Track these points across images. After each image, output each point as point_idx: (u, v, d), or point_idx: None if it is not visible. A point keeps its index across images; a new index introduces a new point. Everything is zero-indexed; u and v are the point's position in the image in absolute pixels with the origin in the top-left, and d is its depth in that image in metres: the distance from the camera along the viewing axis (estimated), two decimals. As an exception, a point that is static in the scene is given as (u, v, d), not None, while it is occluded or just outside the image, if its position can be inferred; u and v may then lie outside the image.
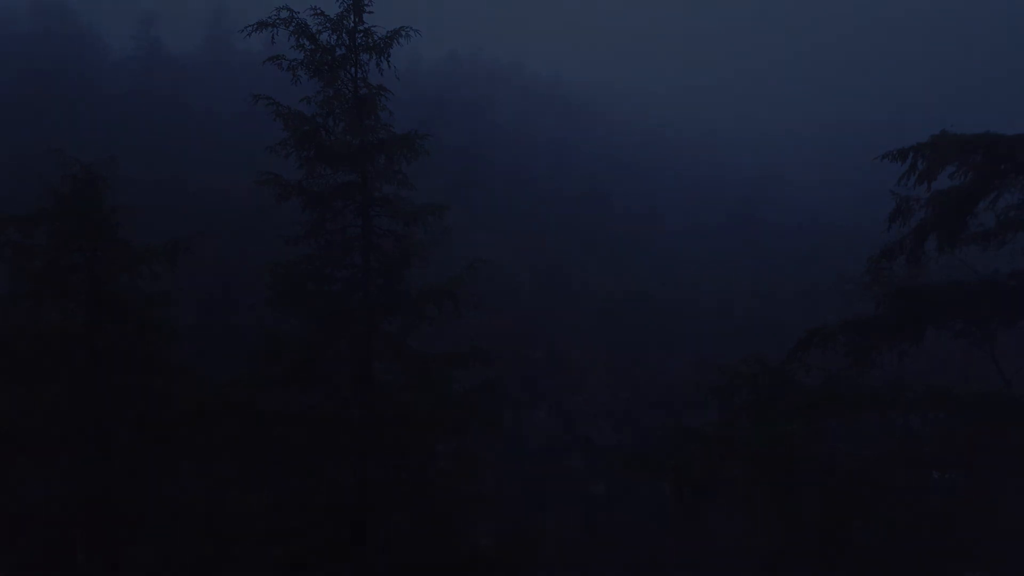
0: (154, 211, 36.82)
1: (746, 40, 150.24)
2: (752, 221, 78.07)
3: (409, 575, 17.45)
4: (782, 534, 18.69)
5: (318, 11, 18.35)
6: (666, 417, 31.52)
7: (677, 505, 20.41)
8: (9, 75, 71.60)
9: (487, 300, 19.73)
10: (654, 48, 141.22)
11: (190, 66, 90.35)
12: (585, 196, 79.20)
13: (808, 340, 18.28)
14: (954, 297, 17.62)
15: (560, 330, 45.47)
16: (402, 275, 18.64)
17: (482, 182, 71.32)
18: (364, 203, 18.59)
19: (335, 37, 18.39)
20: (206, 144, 65.44)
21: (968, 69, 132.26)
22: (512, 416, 35.76)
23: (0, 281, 18.17)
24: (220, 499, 18.30)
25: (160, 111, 71.36)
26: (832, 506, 18.03)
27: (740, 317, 48.28)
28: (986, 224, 17.54)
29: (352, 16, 18.37)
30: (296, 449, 17.70)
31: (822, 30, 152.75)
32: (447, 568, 17.47)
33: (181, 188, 50.65)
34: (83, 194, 18.12)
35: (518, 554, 18.05)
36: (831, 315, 19.72)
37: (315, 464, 18.06)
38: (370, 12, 18.46)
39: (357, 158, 18.46)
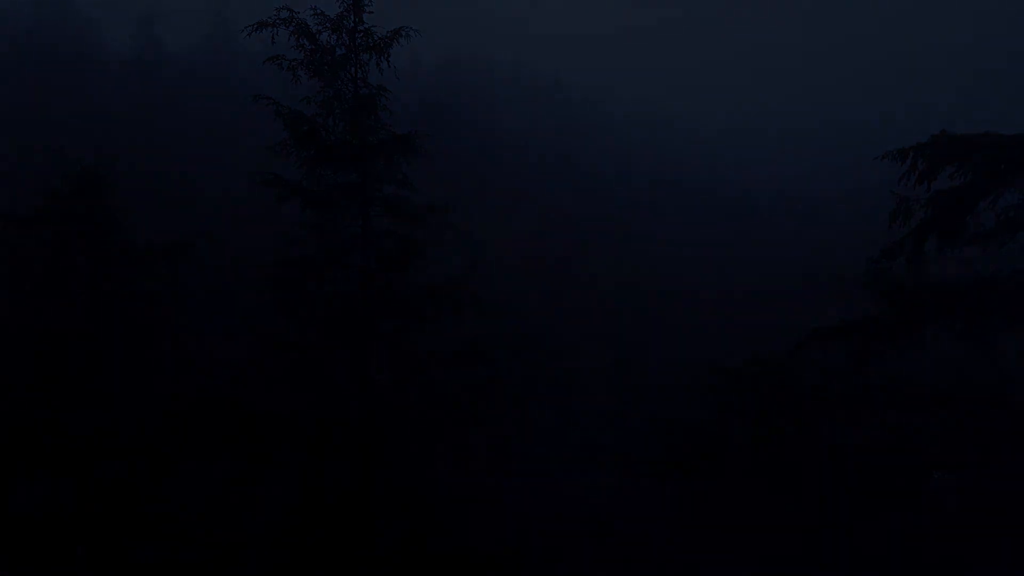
0: (155, 210, 36.83)
1: (744, 38, 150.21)
2: (751, 219, 78.11)
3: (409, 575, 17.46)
4: (783, 531, 18.70)
5: (318, 11, 18.37)
6: (667, 417, 31.50)
7: (678, 503, 20.44)
8: (9, 75, 71.62)
9: (488, 300, 19.68)
10: (651, 46, 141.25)
11: (190, 66, 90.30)
12: (586, 196, 79.23)
13: (809, 340, 18.28)
14: (954, 297, 17.62)
15: (562, 330, 45.46)
16: (402, 275, 18.65)
17: (483, 182, 71.33)
18: (364, 203, 18.59)
19: (335, 37, 18.42)
20: (206, 143, 65.40)
21: (968, 68, 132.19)
22: (512, 415, 35.75)
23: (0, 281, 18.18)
24: (221, 499, 18.31)
25: (160, 110, 71.36)
26: (833, 504, 18.05)
27: (741, 316, 48.25)
28: (986, 224, 17.55)
29: (352, 16, 18.40)
30: (295, 450, 17.71)
31: (819, 28, 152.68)
32: (447, 568, 17.47)
33: (181, 187, 50.64)
34: (84, 194, 18.13)
35: (518, 554, 18.03)
36: (831, 314, 19.75)
37: (314, 465, 18.06)
38: (370, 12, 18.50)
39: (357, 158, 18.47)
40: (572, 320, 47.51)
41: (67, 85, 72.55)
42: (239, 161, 47.52)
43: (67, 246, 18.09)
